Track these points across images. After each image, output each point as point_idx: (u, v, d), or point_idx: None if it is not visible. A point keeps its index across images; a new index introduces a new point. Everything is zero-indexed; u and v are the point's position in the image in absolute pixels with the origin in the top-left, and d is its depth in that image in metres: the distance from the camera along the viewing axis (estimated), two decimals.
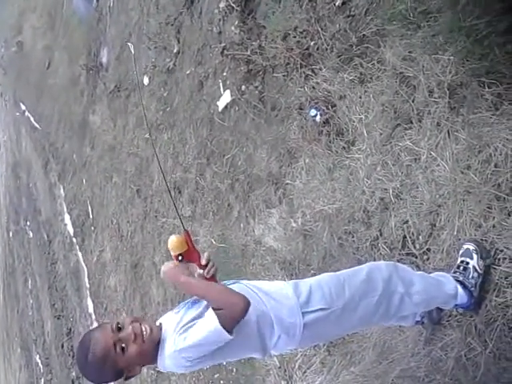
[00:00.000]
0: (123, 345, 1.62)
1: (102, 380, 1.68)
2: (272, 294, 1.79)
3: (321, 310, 1.77)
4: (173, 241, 1.77)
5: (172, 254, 1.79)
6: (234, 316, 1.60)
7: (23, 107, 12.98)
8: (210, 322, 1.57)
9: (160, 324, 1.76)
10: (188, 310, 1.73)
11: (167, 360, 1.65)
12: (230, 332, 1.57)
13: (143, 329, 1.66)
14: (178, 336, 1.62)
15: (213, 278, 1.78)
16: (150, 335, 1.66)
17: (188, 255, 1.77)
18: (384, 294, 1.84)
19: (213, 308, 1.60)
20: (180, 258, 1.77)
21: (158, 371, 4.68)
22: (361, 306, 1.81)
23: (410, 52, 2.54)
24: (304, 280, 1.91)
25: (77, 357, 1.73)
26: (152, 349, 1.68)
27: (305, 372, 2.95)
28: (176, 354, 1.62)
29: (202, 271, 1.78)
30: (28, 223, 11.59)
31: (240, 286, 1.80)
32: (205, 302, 1.71)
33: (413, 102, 2.50)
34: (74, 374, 7.41)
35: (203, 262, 1.75)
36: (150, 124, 5.33)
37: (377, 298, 1.82)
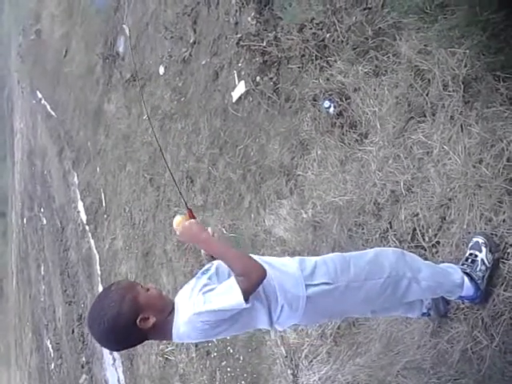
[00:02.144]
0: (147, 287, 1.73)
1: (120, 311, 1.63)
2: (277, 266, 1.82)
3: (324, 284, 1.79)
4: (178, 220, 1.82)
5: (178, 233, 1.83)
6: (253, 283, 1.64)
7: (39, 95, 13.11)
8: (231, 288, 1.61)
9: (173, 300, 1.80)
10: (198, 279, 1.77)
11: (183, 327, 1.68)
12: (246, 300, 1.61)
13: None
14: (196, 299, 1.65)
15: None
16: (167, 295, 1.77)
17: None
18: (391, 278, 1.85)
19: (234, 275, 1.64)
20: None
21: (167, 358, 4.74)
22: (366, 286, 1.83)
23: (425, 45, 2.53)
24: (310, 257, 1.94)
25: (99, 293, 1.75)
26: (168, 307, 1.72)
27: (311, 361, 2.98)
28: (195, 318, 1.64)
29: None
30: (42, 210, 11.74)
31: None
32: (213, 270, 1.75)
33: (427, 95, 2.50)
34: (83, 358, 7.52)
35: None
36: (163, 113, 5.37)
37: (383, 281, 1.84)
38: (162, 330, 1.72)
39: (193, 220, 1.81)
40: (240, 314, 1.67)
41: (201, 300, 1.64)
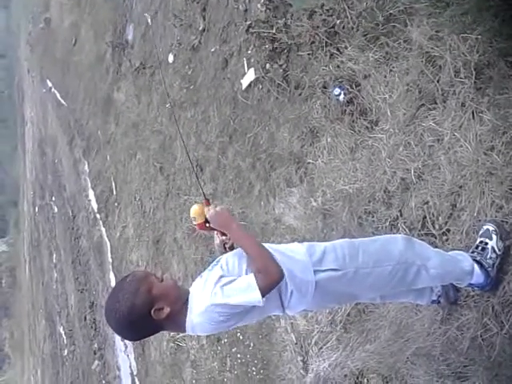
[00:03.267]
0: (162, 277, 1.74)
1: (135, 303, 1.65)
2: (286, 252, 1.83)
3: (333, 270, 1.80)
4: (195, 209, 1.84)
5: (195, 222, 1.86)
6: (270, 284, 1.66)
7: (50, 84, 13.16)
8: (249, 285, 1.63)
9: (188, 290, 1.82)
10: (210, 271, 1.78)
11: (197, 317, 1.70)
12: (262, 297, 1.63)
13: None
14: (214, 291, 1.67)
15: (232, 247, 1.83)
16: (182, 285, 1.79)
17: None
18: (400, 265, 1.86)
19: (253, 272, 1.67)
20: (207, 224, 1.84)
21: (178, 344, 4.79)
22: (374, 273, 1.83)
23: (437, 31, 2.51)
24: (319, 243, 1.94)
25: (115, 285, 1.79)
26: (182, 297, 1.74)
27: (321, 348, 3.00)
28: (212, 308, 1.66)
29: (224, 238, 1.85)
30: (53, 198, 11.84)
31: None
32: (222, 264, 1.77)
33: (438, 82, 2.47)
34: (96, 345, 7.62)
35: None
36: (173, 101, 5.38)
37: (391, 268, 1.84)
38: (177, 321, 1.73)
39: (224, 206, 1.83)
40: (254, 308, 1.69)
41: (219, 292, 1.66)
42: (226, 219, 1.82)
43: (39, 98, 14.76)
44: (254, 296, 1.63)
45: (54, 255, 11.47)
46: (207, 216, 1.85)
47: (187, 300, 1.75)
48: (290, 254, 1.84)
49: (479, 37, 2.29)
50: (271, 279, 1.67)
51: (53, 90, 12.68)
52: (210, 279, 1.73)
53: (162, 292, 1.69)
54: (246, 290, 1.64)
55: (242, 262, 1.77)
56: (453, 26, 2.42)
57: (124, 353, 6.51)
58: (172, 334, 4.83)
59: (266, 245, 1.86)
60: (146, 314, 1.66)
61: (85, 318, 8.26)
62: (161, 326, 1.74)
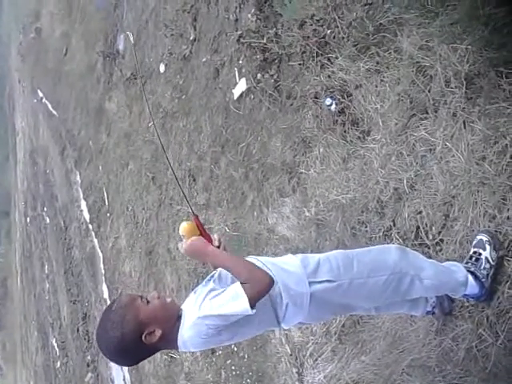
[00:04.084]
0: (148, 299, 1.70)
1: (123, 332, 1.63)
2: (279, 264, 1.81)
3: (328, 281, 1.78)
4: (184, 227, 1.82)
5: (185, 240, 1.83)
6: (258, 291, 1.63)
7: (41, 94, 13.10)
8: (237, 294, 1.60)
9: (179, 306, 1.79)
10: (204, 286, 1.76)
11: (187, 332, 1.66)
12: (252, 307, 1.60)
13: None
14: (203, 304, 1.64)
15: None
16: (172, 301, 1.75)
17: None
18: (394, 275, 1.85)
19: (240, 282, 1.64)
20: None
21: (172, 356, 4.75)
22: (369, 283, 1.82)
23: (427, 41, 2.51)
24: (313, 254, 1.93)
25: (102, 314, 1.74)
26: (173, 316, 1.71)
27: (316, 360, 2.98)
28: (200, 321, 1.63)
29: None
30: (45, 209, 11.76)
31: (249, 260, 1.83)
32: (214, 279, 1.76)
33: (429, 91, 2.48)
34: (89, 357, 7.54)
35: (216, 244, 1.81)
36: (164, 111, 5.36)
37: (386, 278, 1.83)
38: (170, 340, 1.70)
39: (194, 237, 1.79)
40: (247, 320, 1.65)
41: (207, 305, 1.64)
42: (197, 250, 1.78)
43: (30, 108, 14.69)
44: (241, 304, 1.59)
45: (46, 266, 11.37)
46: (181, 251, 1.83)
47: (179, 317, 1.72)
48: (284, 266, 1.82)
49: (469, 47, 2.29)
50: (260, 285, 1.64)
51: (44, 100, 12.63)
52: (202, 293, 1.71)
53: (150, 315, 1.66)
54: (233, 299, 1.61)
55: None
56: (442, 35, 2.43)
57: (118, 365, 6.44)
58: None
59: (259, 257, 1.84)
60: (138, 340, 1.64)
61: (77, 330, 8.18)
62: (155, 348, 1.71)
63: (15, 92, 18.51)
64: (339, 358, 2.83)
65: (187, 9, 5.05)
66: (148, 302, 1.69)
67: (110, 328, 1.64)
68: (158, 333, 1.65)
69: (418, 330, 2.41)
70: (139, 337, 1.64)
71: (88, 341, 7.65)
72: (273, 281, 1.66)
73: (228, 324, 1.65)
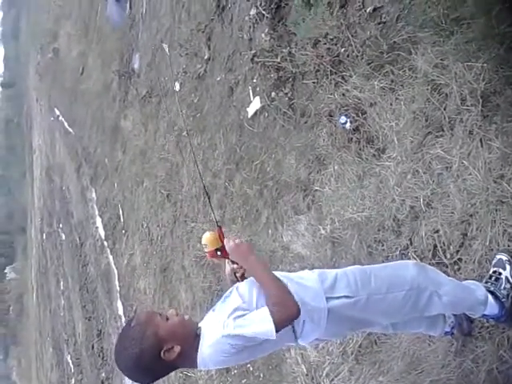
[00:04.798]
0: (167, 315, 1.71)
1: (142, 348, 1.63)
2: (296, 279, 1.80)
3: (345, 297, 1.77)
4: (207, 237, 1.85)
5: (207, 249, 1.85)
6: (285, 319, 1.63)
7: (57, 112, 13.32)
8: (264, 317, 1.60)
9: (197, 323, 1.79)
10: (223, 303, 1.76)
11: (208, 349, 1.66)
12: (277, 331, 1.59)
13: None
14: (227, 322, 1.64)
15: (243, 277, 1.82)
16: (190, 318, 1.76)
17: (222, 251, 1.83)
18: (412, 290, 1.83)
19: (267, 305, 1.64)
20: (218, 252, 1.82)
21: (187, 375, 4.72)
22: (387, 299, 1.81)
23: (441, 59, 2.51)
24: (330, 269, 1.92)
25: (121, 331, 1.74)
26: (191, 333, 1.71)
27: (332, 380, 2.94)
28: (223, 340, 1.62)
29: (234, 266, 1.85)
30: (61, 225, 11.87)
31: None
32: (236, 297, 1.74)
33: (444, 109, 2.47)
34: (103, 374, 7.54)
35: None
36: (179, 129, 5.41)
37: (404, 293, 1.81)
38: (189, 357, 1.69)
39: (243, 240, 1.84)
40: (267, 339, 1.64)
41: (231, 324, 1.63)
42: (244, 252, 1.80)
43: (47, 126, 14.93)
44: (267, 328, 1.59)
45: (62, 282, 11.45)
46: (226, 248, 1.83)
47: (198, 335, 1.71)
48: (301, 281, 1.81)
49: (485, 65, 2.29)
50: (288, 314, 1.64)
51: (60, 118, 12.83)
52: (224, 311, 1.70)
53: (169, 332, 1.66)
54: (260, 322, 1.61)
55: (253, 292, 1.74)
56: (457, 54, 2.43)
57: (133, 383, 6.42)
58: None
59: (277, 273, 1.84)
60: (157, 356, 1.63)
61: (92, 347, 8.19)
62: (173, 365, 1.71)
63: (33, 110, 18.84)
64: (356, 379, 2.79)
65: (201, 28, 5.12)
66: (167, 318, 1.70)
67: (129, 345, 1.64)
68: (177, 349, 1.65)
69: (437, 350, 2.37)
70: (158, 353, 1.64)
71: (102, 358, 7.66)
72: (299, 311, 1.65)
73: (250, 344, 1.65)
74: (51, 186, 13.65)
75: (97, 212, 8.71)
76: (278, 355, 3.43)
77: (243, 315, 1.65)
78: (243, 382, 3.85)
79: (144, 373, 1.68)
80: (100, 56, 9.64)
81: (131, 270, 6.70)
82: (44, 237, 14.37)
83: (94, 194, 9.04)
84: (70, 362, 10.03)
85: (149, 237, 6.16)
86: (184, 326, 1.72)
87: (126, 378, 6.59)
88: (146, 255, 6.20)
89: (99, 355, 7.79)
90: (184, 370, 4.74)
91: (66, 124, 12.14)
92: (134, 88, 7.23)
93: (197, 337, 1.71)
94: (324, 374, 2.99)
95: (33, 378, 16.19)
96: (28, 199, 19.49)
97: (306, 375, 3.13)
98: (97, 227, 8.58)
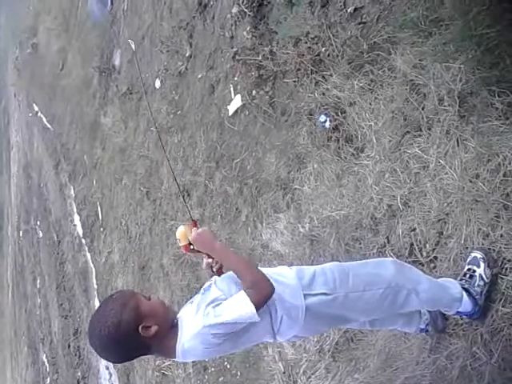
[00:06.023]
0: (149, 296, 1.73)
1: (122, 319, 1.61)
2: (274, 276, 1.79)
3: (323, 294, 1.78)
4: (181, 231, 1.81)
5: (181, 244, 1.82)
6: (261, 296, 1.63)
7: (36, 108, 13.11)
8: (243, 301, 1.60)
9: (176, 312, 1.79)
10: (203, 294, 1.75)
11: (189, 341, 1.65)
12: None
13: None
14: (206, 312, 1.63)
15: (220, 270, 1.81)
16: (170, 306, 1.77)
17: None
18: (390, 288, 1.84)
19: (243, 289, 1.64)
20: (192, 247, 1.80)
21: (164, 373, 4.69)
22: (365, 297, 1.82)
23: (420, 60, 2.54)
24: (308, 266, 1.92)
25: (101, 302, 1.73)
26: (170, 318, 1.72)
27: (309, 377, 2.95)
28: (205, 330, 1.61)
29: (210, 260, 1.82)
30: (38, 223, 11.68)
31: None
32: (215, 290, 1.73)
33: (422, 109, 2.50)
34: (79, 373, 7.44)
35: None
36: (160, 127, 5.37)
37: (382, 291, 1.83)
38: (166, 344, 1.69)
39: (205, 228, 1.81)
40: (246, 329, 1.64)
41: (211, 312, 1.62)
42: (207, 240, 1.79)
43: (25, 122, 14.68)
44: (247, 310, 1.59)
45: (38, 280, 11.26)
46: (190, 239, 1.82)
47: (177, 324, 1.71)
48: (279, 277, 1.81)
49: (462, 66, 2.32)
50: (263, 294, 1.64)
51: (39, 114, 12.62)
52: (203, 302, 1.69)
53: (150, 310, 1.66)
54: (239, 305, 1.61)
55: (232, 284, 1.74)
56: (436, 54, 2.46)
57: (108, 382, 6.35)
58: (157, 362, 4.73)
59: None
60: (134, 330, 1.61)
61: (68, 346, 8.07)
62: (148, 346, 1.68)
63: (10, 106, 18.52)
64: (333, 376, 2.80)
65: (183, 26, 5.10)
66: (149, 299, 1.71)
67: (109, 314, 1.62)
68: (155, 328, 1.64)
69: (412, 347, 2.40)
70: (136, 327, 1.62)
71: (79, 357, 7.56)
72: (274, 288, 1.66)
73: (231, 332, 1.63)
74: (29, 183, 13.43)
75: (75, 209, 8.59)
76: (256, 353, 3.43)
77: (221, 303, 1.65)
78: (220, 379, 3.84)
79: (118, 346, 1.64)
80: (80, 52, 9.51)
81: (109, 267, 6.63)
82: (21, 234, 14.11)
83: (72, 192, 8.92)
84: (46, 361, 9.87)
85: (127, 234, 6.11)
86: (165, 308, 1.72)
87: (102, 378, 6.55)
88: (125, 253, 6.14)
89: (75, 354, 7.68)
90: (161, 368, 4.71)
91: (44, 120, 11.95)
92: (115, 85, 7.15)
93: (174, 326, 1.70)
94: (301, 372, 3.00)
95: (7, 377, 15.90)
96: (5, 196, 19.15)
97: (283, 373, 3.14)
98: (75, 225, 8.46)
